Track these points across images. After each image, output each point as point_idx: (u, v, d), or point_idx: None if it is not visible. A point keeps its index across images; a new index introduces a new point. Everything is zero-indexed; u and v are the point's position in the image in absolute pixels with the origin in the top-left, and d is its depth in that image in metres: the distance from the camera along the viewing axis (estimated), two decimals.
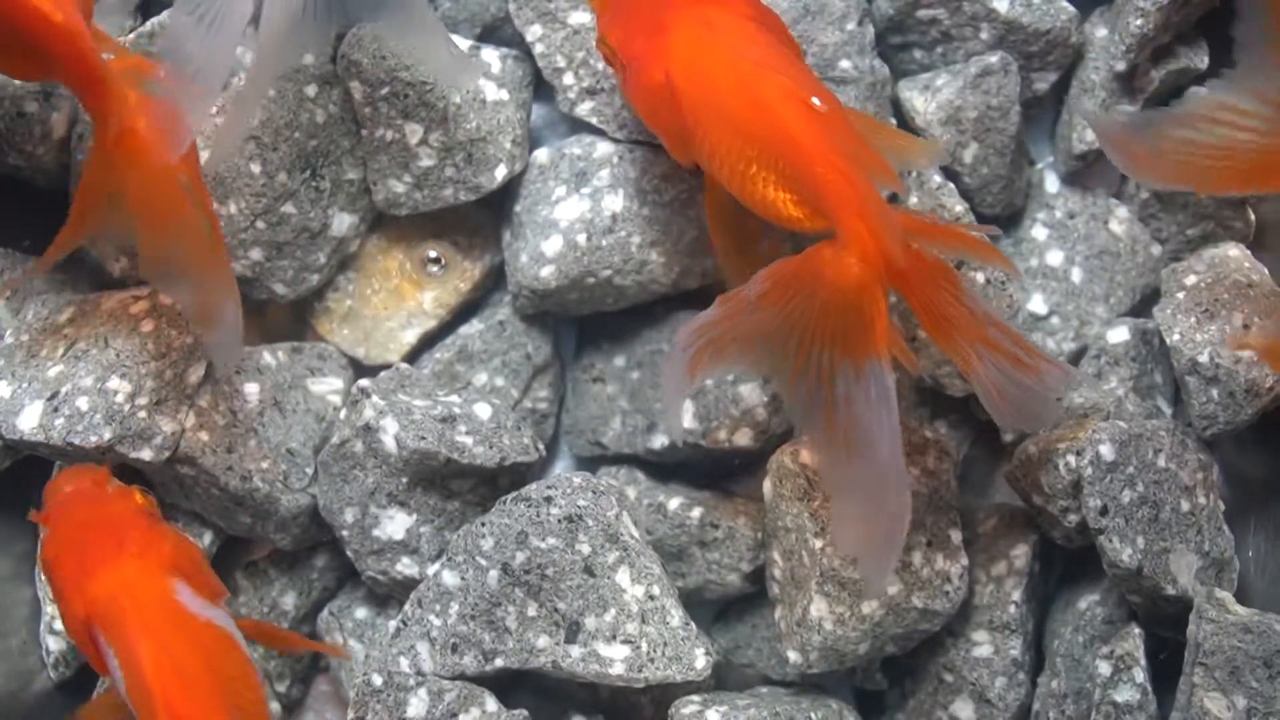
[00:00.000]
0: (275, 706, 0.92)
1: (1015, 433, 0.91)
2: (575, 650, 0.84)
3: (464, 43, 0.92)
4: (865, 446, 0.71)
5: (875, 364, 0.70)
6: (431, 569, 0.87)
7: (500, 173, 0.91)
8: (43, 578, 0.89)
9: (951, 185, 0.88)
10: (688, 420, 0.91)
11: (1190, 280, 0.91)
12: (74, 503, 0.77)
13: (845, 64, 0.91)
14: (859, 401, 0.70)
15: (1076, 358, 0.93)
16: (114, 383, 0.83)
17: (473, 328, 0.95)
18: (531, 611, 0.85)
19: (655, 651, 0.84)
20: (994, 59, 0.91)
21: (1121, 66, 0.92)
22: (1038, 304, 0.95)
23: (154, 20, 0.91)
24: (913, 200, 0.87)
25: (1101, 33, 0.94)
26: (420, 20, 0.82)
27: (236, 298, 0.78)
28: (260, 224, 0.89)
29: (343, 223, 0.92)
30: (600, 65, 0.91)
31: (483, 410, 0.89)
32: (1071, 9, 0.93)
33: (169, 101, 0.76)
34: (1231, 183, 0.77)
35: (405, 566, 0.89)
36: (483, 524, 0.85)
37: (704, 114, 0.74)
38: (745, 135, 0.72)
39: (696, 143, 0.75)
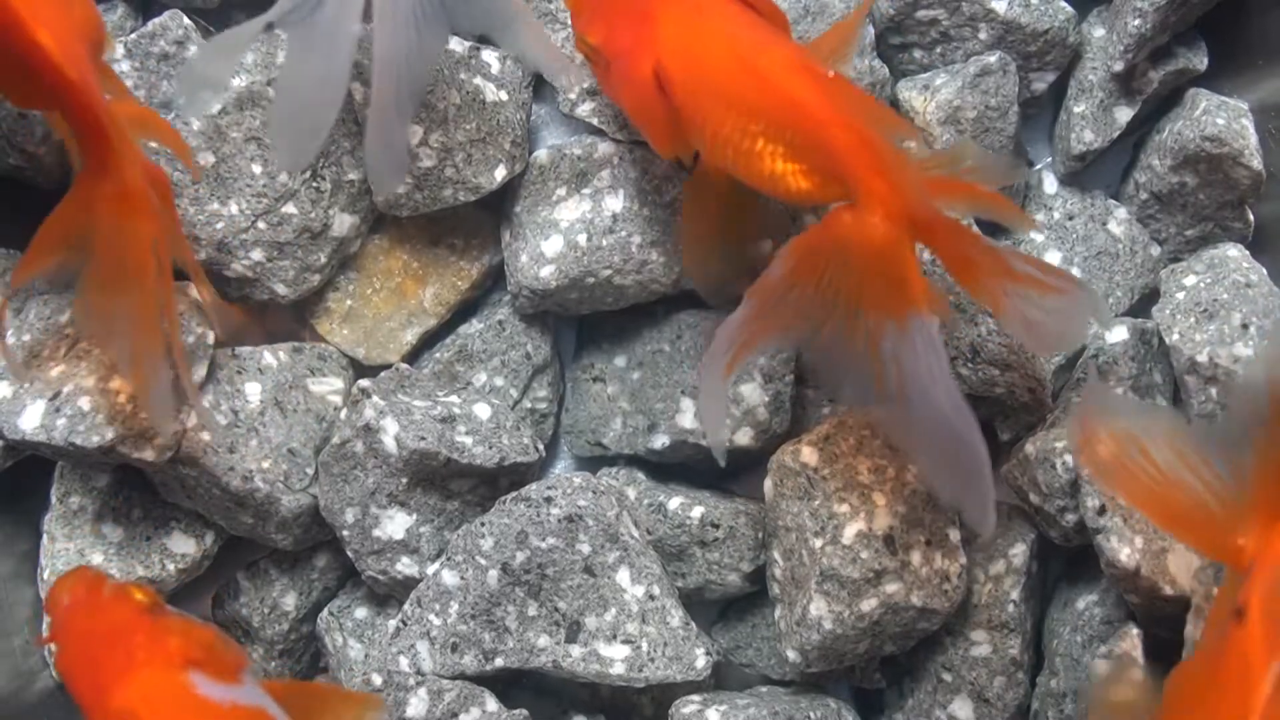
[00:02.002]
0: None
1: (1013, 432, 0.91)
2: (575, 650, 0.84)
3: (464, 43, 0.92)
4: (924, 398, 0.70)
5: (917, 317, 0.70)
6: (431, 569, 0.87)
7: (500, 173, 0.91)
8: (44, 578, 0.90)
9: None
10: (688, 420, 0.91)
11: (1189, 280, 0.91)
12: (75, 617, 0.75)
13: None
14: (908, 357, 0.70)
15: (1075, 357, 0.93)
16: (116, 382, 0.83)
17: (472, 328, 0.95)
18: (531, 611, 0.85)
19: (655, 651, 0.84)
20: (992, 59, 0.91)
21: (1119, 67, 0.92)
22: None
23: (155, 21, 0.91)
24: None
25: (1099, 33, 0.95)
26: (525, 26, 0.81)
27: (167, 369, 0.76)
28: (261, 224, 0.89)
29: (343, 223, 0.92)
30: None
31: (482, 410, 0.89)
32: (1069, 9, 0.93)
33: (159, 168, 0.76)
34: (1172, 525, 0.71)
35: (405, 566, 0.89)
36: (482, 524, 0.86)
37: (701, 98, 0.74)
38: (749, 111, 0.72)
39: (693, 130, 0.75)
